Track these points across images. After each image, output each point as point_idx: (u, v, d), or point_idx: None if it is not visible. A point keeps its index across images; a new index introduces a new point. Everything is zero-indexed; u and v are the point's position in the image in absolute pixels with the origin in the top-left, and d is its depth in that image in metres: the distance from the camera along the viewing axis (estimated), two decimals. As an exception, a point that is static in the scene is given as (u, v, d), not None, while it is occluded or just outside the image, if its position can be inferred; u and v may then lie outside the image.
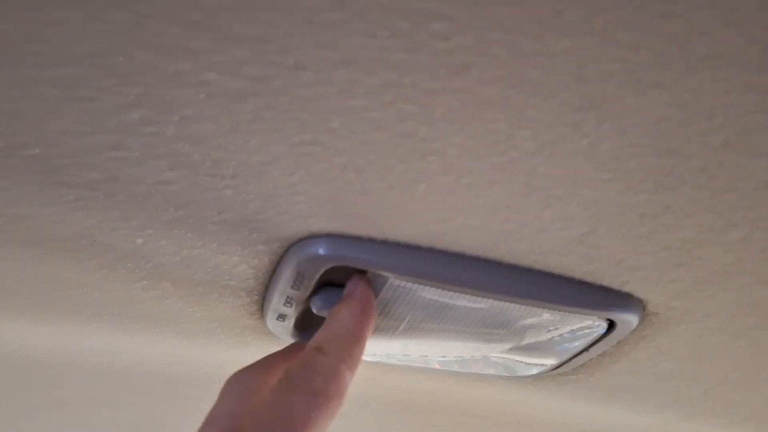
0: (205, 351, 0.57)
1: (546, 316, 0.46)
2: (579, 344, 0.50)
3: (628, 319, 0.46)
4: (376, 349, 0.51)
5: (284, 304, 0.46)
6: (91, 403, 0.68)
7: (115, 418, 0.70)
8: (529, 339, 0.49)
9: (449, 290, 0.43)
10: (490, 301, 0.44)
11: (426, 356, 0.52)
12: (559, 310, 0.45)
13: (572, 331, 0.48)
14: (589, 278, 0.44)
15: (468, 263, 0.42)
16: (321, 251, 0.41)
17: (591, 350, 0.50)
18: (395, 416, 0.74)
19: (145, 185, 0.36)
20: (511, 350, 0.51)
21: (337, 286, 0.46)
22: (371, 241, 0.41)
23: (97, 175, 0.35)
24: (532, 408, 0.67)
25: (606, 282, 0.44)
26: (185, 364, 0.61)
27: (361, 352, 0.41)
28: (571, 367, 0.53)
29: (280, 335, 0.50)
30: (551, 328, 0.47)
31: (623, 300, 0.45)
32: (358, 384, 0.65)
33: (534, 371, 0.54)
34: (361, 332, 0.41)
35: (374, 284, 0.44)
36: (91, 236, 0.40)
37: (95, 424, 0.72)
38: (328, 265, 0.42)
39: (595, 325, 0.47)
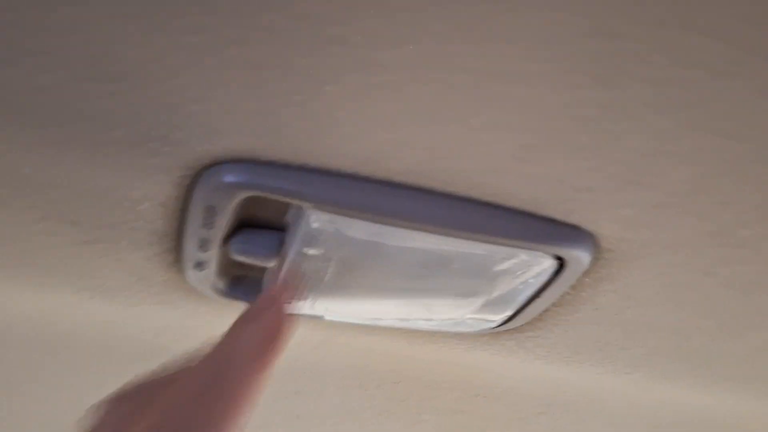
0: (132, 314, 0.52)
1: (486, 255, 0.41)
2: (530, 291, 0.45)
3: (577, 256, 0.42)
4: (316, 303, 0.46)
5: (199, 249, 0.42)
6: (19, 382, 0.64)
7: (48, 397, 0.65)
8: (473, 290, 0.44)
9: (377, 223, 0.39)
10: (424, 237, 0.40)
11: (372, 315, 0.47)
12: (500, 244, 0.40)
13: (521, 280, 0.44)
14: (530, 207, 0.39)
15: (397, 192, 0.38)
16: (228, 178, 0.37)
17: (543, 296, 0.46)
18: (355, 391, 0.69)
19: (17, 91, 0.32)
20: (458, 307, 0.47)
21: (258, 227, 0.42)
22: (286, 167, 0.37)
23: None
24: (496, 375, 0.62)
25: (550, 211, 0.39)
26: (117, 331, 0.57)
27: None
28: (525, 319, 0.49)
29: (205, 291, 0.46)
30: (497, 275, 0.43)
31: (571, 232, 0.41)
32: (310, 353, 0.60)
33: (487, 325, 0.50)
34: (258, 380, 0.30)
35: (292, 220, 0.39)
36: None
37: (26, 405, 0.67)
38: (240, 196, 0.37)
39: (544, 266, 0.43)
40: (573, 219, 0.40)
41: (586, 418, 0.71)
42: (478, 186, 0.38)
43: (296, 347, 0.59)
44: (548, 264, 0.42)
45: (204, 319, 0.51)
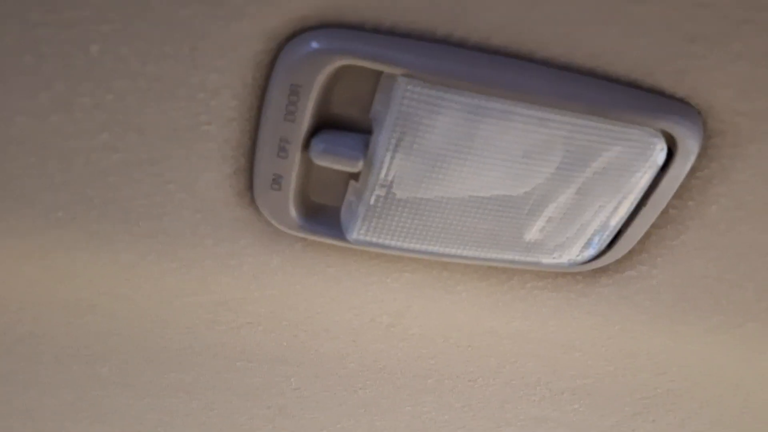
0: (192, 276, 0.47)
1: (591, 138, 0.38)
2: (638, 190, 0.41)
3: (686, 136, 0.38)
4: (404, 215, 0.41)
5: (278, 154, 0.38)
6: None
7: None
8: (575, 186, 0.41)
9: (478, 93, 0.36)
10: (525, 112, 0.37)
11: (459, 232, 0.43)
12: (606, 117, 0.37)
13: (627, 175, 0.40)
14: (637, 74, 0.36)
15: (496, 58, 0.35)
16: (316, 44, 0.34)
17: (651, 199, 0.42)
18: (426, 395, 0.63)
19: None
20: (558, 217, 0.42)
21: (339, 127, 0.39)
22: (375, 30, 0.34)
23: None
24: (592, 356, 0.56)
25: (657, 78, 0.36)
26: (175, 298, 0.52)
27: None
28: (628, 243, 0.44)
29: (278, 221, 0.42)
30: (601, 164, 0.39)
31: (679, 106, 0.38)
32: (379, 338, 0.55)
33: (588, 252, 0.45)
34: None
35: (382, 100, 0.36)
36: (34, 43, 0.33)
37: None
38: (328, 67, 0.35)
39: (652, 151, 0.39)
40: (681, 87, 0.37)
41: (687, 416, 0.64)
42: (577, 50, 0.35)
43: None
44: (656, 148, 0.39)
45: (280, 273, 0.47)
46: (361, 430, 0.65)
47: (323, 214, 0.43)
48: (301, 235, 0.43)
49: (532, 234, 0.43)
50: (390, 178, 0.39)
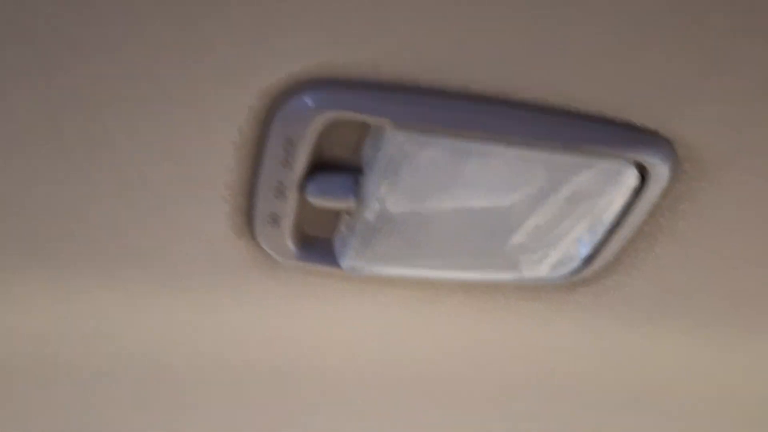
0: (207, 305, 0.50)
1: (567, 168, 0.41)
2: (611, 214, 0.44)
3: (658, 165, 0.41)
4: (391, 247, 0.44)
5: (275, 195, 0.41)
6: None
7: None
8: (554, 212, 0.44)
9: (462, 138, 0.38)
10: (503, 152, 0.39)
11: (442, 255, 0.46)
12: (581, 153, 0.40)
13: (602, 200, 0.43)
14: (609, 111, 0.39)
15: (478, 105, 0.38)
16: (309, 101, 0.37)
17: (625, 222, 0.45)
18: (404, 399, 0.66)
19: None
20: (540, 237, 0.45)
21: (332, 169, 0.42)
22: (363, 84, 0.37)
23: None
24: (572, 356, 0.60)
25: (627, 114, 0.39)
26: (180, 346, 0.55)
27: None
28: (605, 257, 0.48)
29: (276, 253, 0.45)
30: (577, 190, 0.42)
31: (650, 138, 0.40)
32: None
33: (568, 267, 0.48)
34: None
35: (371, 148, 0.39)
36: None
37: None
38: (321, 120, 0.37)
39: (625, 178, 0.42)
40: (652, 122, 0.40)
41: (665, 413, 0.68)
42: (553, 88, 0.38)
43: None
44: (629, 177, 0.42)
45: (283, 299, 0.50)
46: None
47: (318, 245, 0.46)
48: (299, 264, 0.46)
49: (514, 255, 0.46)
50: (379, 213, 0.42)
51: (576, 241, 0.46)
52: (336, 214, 0.45)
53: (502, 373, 0.61)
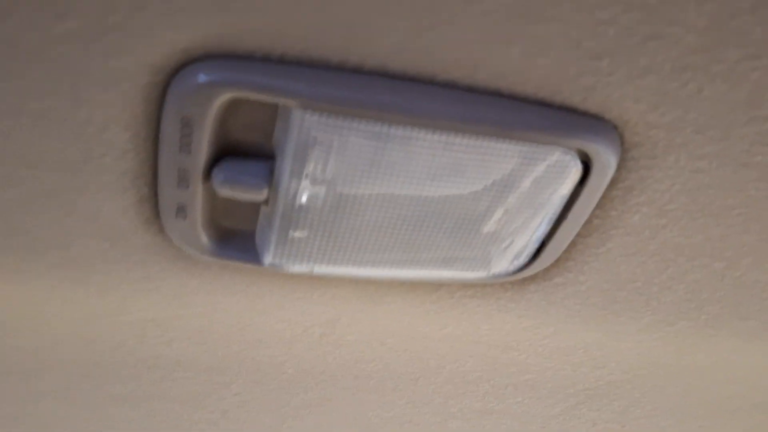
0: (113, 299, 0.46)
1: (503, 161, 0.37)
2: (554, 209, 0.40)
3: (602, 151, 0.37)
4: (316, 247, 0.41)
5: (178, 185, 0.37)
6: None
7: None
8: (491, 208, 0.40)
9: (378, 120, 0.34)
10: (430, 137, 0.35)
11: (375, 255, 0.42)
12: (516, 140, 0.36)
13: (543, 194, 0.39)
14: (545, 92, 0.35)
15: (396, 83, 0.34)
16: (203, 77, 0.32)
17: (570, 216, 0.41)
18: (371, 395, 0.62)
19: None
20: (475, 235, 0.42)
21: (243, 155, 0.38)
22: (265, 60, 0.33)
23: None
24: (525, 354, 0.56)
25: (566, 95, 0.35)
26: (98, 327, 0.51)
27: None
28: (552, 254, 0.44)
29: (189, 247, 0.41)
30: (515, 185, 0.38)
31: (593, 122, 0.36)
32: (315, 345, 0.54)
33: (512, 266, 0.44)
34: None
35: (281, 132, 0.35)
36: None
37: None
38: (218, 99, 0.33)
39: (567, 171, 0.38)
40: (592, 103, 0.36)
41: (630, 404, 0.65)
42: (484, 69, 0.34)
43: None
44: (572, 167, 0.38)
45: (201, 293, 0.46)
46: (306, 429, 0.65)
47: (237, 238, 0.42)
48: (215, 260, 0.42)
49: (452, 251, 0.42)
50: (297, 204, 0.38)
51: (520, 238, 0.42)
52: (256, 205, 0.41)
53: (453, 370, 0.58)
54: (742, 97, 0.36)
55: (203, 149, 0.35)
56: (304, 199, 0.38)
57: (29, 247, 0.41)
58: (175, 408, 0.60)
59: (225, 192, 0.37)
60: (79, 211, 0.39)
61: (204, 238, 0.40)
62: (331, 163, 0.36)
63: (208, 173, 0.37)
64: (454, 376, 0.60)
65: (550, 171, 0.38)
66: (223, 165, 0.36)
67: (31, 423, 0.61)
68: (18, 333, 0.51)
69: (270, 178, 0.37)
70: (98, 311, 0.47)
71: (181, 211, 0.38)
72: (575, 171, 0.38)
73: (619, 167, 0.39)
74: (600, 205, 0.42)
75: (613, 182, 0.40)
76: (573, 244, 0.44)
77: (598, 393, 0.62)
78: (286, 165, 0.36)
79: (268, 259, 0.41)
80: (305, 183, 0.37)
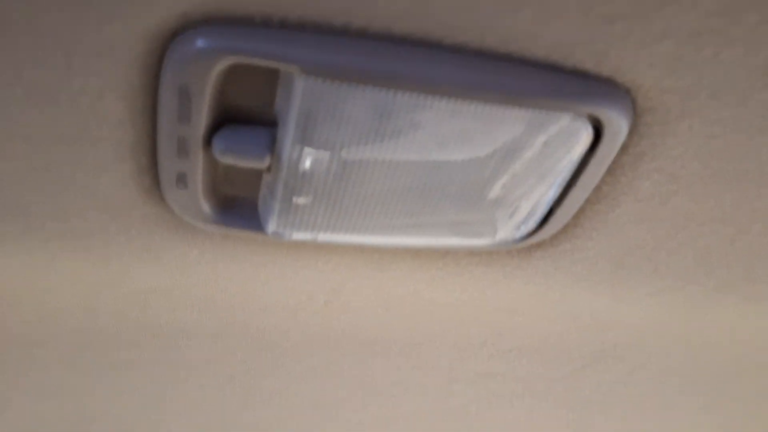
0: (112, 270, 0.46)
1: (512, 127, 0.36)
2: (563, 176, 0.39)
3: (614, 117, 0.36)
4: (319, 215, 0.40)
5: (178, 155, 0.36)
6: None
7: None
8: (498, 175, 0.39)
9: (383, 87, 0.33)
10: (437, 105, 0.34)
11: (380, 222, 0.41)
12: (526, 106, 0.35)
13: (552, 161, 0.38)
14: (556, 56, 0.34)
15: (402, 47, 0.33)
16: (201, 44, 0.31)
17: (579, 182, 0.40)
18: (377, 359, 0.62)
19: None
20: (482, 202, 0.41)
21: (244, 122, 0.37)
22: (265, 25, 0.32)
23: None
24: (530, 318, 0.56)
25: (578, 58, 0.34)
26: (99, 299, 0.50)
27: None
28: (560, 221, 0.43)
29: (190, 216, 0.40)
30: (524, 152, 0.37)
31: (604, 87, 0.35)
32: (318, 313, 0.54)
33: (518, 233, 0.43)
34: None
35: (283, 100, 0.34)
36: None
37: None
38: (216, 67, 0.32)
39: (577, 137, 0.37)
40: (605, 68, 0.35)
41: (636, 366, 0.65)
42: (492, 30, 0.32)
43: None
44: (582, 133, 0.37)
45: (202, 263, 0.45)
46: (312, 393, 0.65)
47: (240, 206, 0.41)
48: (218, 229, 0.41)
49: (459, 218, 0.42)
50: (300, 171, 0.37)
51: (528, 205, 0.42)
52: (259, 172, 0.40)
53: (458, 334, 0.58)
54: (760, 62, 0.34)
55: (203, 117, 0.34)
56: (307, 165, 0.37)
57: (27, 220, 0.40)
58: (181, 374, 0.60)
59: (227, 160, 0.36)
60: (77, 183, 0.38)
61: (205, 207, 0.40)
62: (334, 129, 0.35)
63: (208, 141, 0.36)
64: (459, 340, 0.59)
65: (560, 137, 0.37)
66: (223, 133, 0.35)
67: (35, 388, 0.61)
68: (20, 304, 0.50)
69: (272, 146, 0.36)
70: (101, 281, 0.46)
71: (182, 180, 0.38)
72: (586, 137, 0.37)
73: (631, 133, 0.38)
74: (610, 171, 0.41)
75: (624, 148, 0.39)
76: (581, 210, 0.44)
77: (604, 355, 0.62)
78: (288, 132, 0.35)
79: (271, 227, 0.41)
80: (308, 150, 0.36)
